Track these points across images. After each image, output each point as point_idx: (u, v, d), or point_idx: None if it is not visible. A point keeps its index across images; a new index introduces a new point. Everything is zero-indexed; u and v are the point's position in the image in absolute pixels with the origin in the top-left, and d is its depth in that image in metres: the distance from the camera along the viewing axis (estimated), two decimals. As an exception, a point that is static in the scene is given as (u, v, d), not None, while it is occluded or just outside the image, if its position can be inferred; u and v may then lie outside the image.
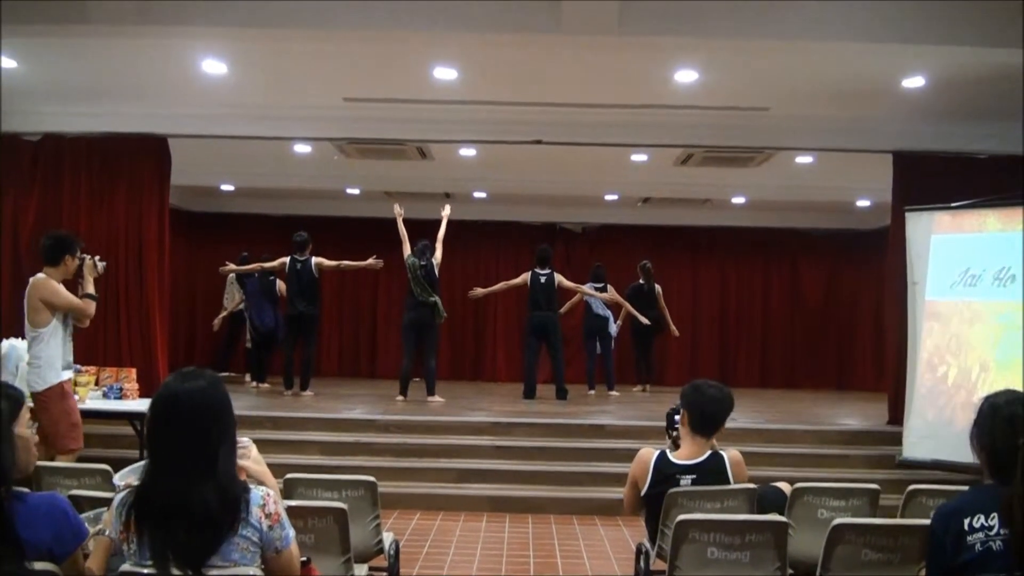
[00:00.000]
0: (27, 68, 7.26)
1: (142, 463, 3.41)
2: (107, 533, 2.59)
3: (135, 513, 2.40)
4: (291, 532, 2.55)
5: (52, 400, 5.58)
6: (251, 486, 2.51)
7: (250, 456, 2.75)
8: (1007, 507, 2.48)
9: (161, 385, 2.54)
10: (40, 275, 5.63)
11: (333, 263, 9.87)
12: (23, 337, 6.79)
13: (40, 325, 5.59)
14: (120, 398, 6.58)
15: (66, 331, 5.72)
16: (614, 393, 11.05)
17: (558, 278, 10.23)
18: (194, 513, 2.36)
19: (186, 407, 2.44)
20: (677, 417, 3.95)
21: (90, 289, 5.79)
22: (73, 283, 5.85)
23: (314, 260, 9.74)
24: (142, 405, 6.23)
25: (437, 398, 9.44)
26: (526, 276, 10.28)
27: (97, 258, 5.96)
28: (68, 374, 5.73)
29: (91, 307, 5.73)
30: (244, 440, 2.74)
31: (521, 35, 6.26)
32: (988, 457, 2.64)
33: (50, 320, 5.61)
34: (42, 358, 5.58)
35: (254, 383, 10.85)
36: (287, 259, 9.88)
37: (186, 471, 2.39)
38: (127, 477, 3.06)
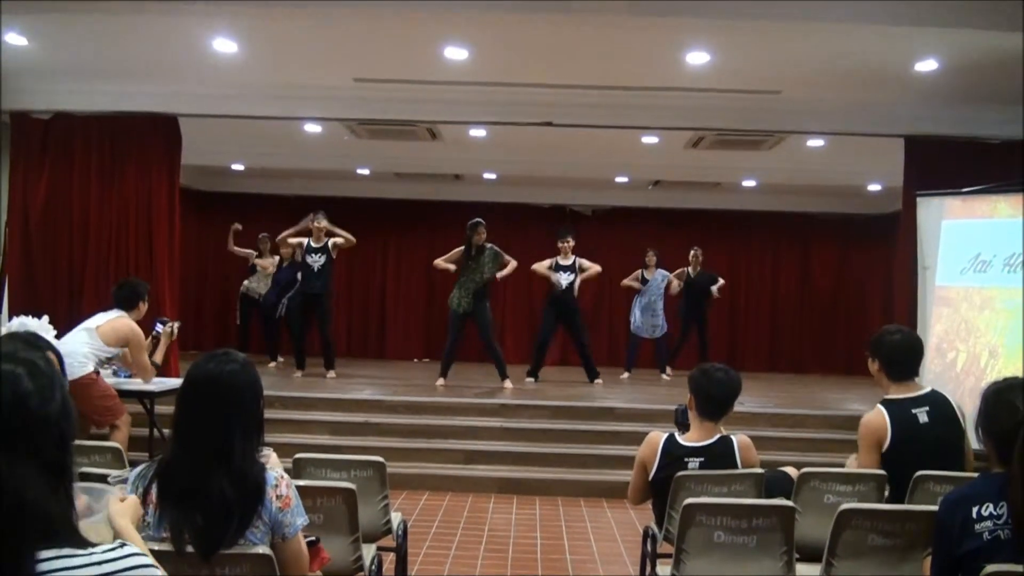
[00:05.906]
0: (37, 46, 7.25)
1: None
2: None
3: (157, 488, 2.42)
4: (299, 522, 2.54)
5: (86, 386, 5.80)
6: (267, 467, 2.51)
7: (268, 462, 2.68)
8: (1009, 488, 2.46)
9: (195, 366, 2.53)
10: (127, 317, 6.13)
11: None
12: (33, 315, 6.85)
13: (109, 346, 6.01)
14: (130, 377, 6.61)
15: (111, 359, 6.23)
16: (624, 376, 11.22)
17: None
18: (211, 499, 2.36)
19: (231, 389, 2.46)
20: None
21: (158, 358, 6.41)
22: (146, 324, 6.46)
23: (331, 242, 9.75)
24: (152, 384, 6.31)
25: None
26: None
27: (176, 324, 6.78)
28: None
29: (151, 377, 6.26)
30: (264, 450, 2.68)
31: (532, 14, 6.22)
32: (994, 444, 2.64)
33: (117, 351, 6.12)
34: (79, 354, 5.83)
35: (272, 362, 11.21)
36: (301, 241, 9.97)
37: (208, 454, 2.40)
38: None
